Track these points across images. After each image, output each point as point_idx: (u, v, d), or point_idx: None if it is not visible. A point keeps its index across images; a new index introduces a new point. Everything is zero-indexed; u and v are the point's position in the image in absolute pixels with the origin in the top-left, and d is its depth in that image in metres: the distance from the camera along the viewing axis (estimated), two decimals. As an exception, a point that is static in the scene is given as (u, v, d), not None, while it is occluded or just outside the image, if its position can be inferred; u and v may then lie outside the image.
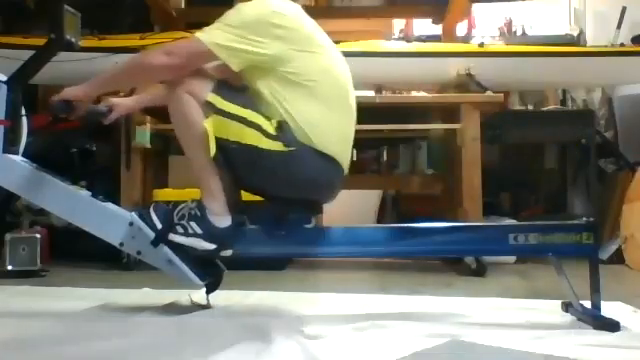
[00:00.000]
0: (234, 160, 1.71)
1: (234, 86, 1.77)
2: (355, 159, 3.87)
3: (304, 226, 1.91)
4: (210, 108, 1.69)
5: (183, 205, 1.79)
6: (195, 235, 1.74)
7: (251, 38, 1.68)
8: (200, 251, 1.75)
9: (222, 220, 1.75)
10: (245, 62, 1.71)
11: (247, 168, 1.73)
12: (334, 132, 1.77)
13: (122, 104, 2.01)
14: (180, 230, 1.75)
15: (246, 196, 1.86)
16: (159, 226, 1.76)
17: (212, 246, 1.75)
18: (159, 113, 3.08)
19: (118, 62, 3.06)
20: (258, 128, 1.69)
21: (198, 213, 1.75)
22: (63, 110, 1.85)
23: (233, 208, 1.77)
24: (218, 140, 1.67)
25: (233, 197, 1.79)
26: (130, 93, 2.97)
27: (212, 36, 1.70)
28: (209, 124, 1.67)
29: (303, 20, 1.79)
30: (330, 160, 1.76)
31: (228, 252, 1.80)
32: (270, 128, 1.69)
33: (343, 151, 1.80)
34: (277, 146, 1.69)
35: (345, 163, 1.81)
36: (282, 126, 1.70)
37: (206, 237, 1.74)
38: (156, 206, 1.81)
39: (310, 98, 1.73)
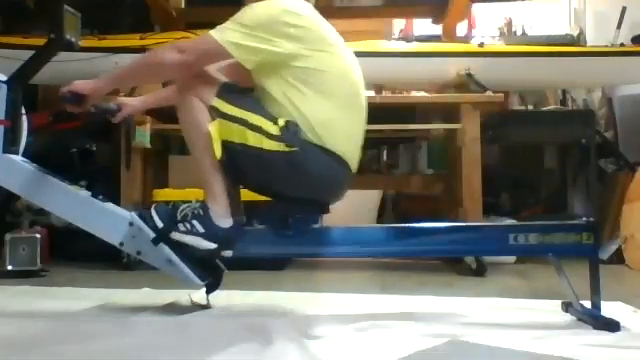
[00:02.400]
0: (239, 162, 1.72)
1: (237, 88, 1.79)
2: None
3: (311, 226, 1.90)
4: (214, 112, 1.72)
5: (186, 205, 1.80)
6: (197, 234, 1.74)
7: (264, 37, 1.70)
8: (201, 250, 1.75)
9: (224, 221, 1.75)
10: (258, 60, 1.72)
11: (251, 169, 1.74)
12: (343, 131, 1.78)
13: (129, 104, 2.04)
14: (182, 228, 1.75)
15: (250, 196, 1.86)
16: (160, 225, 1.76)
17: (213, 245, 1.75)
18: (160, 113, 3.08)
19: (118, 62, 3.11)
20: (259, 130, 1.70)
21: (201, 212, 1.75)
22: (72, 102, 1.84)
23: (234, 209, 1.78)
24: (223, 143, 1.69)
25: (234, 199, 1.80)
26: (130, 93, 2.98)
27: (226, 34, 1.71)
28: (214, 128, 1.70)
29: (316, 19, 1.80)
30: (338, 159, 1.76)
31: (228, 252, 1.80)
32: (272, 129, 1.70)
33: (351, 150, 1.81)
34: (279, 147, 1.69)
35: (353, 162, 1.82)
36: (288, 126, 1.70)
37: (208, 236, 1.74)
38: (157, 206, 1.82)
39: (320, 97, 1.74)
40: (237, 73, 1.81)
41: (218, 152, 1.69)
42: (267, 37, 1.70)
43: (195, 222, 1.75)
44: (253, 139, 1.70)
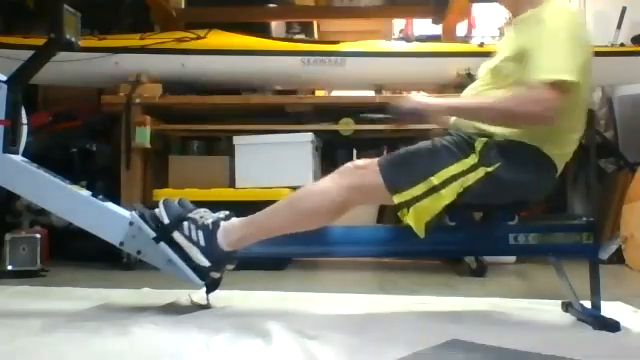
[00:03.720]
0: (446, 214, 1.72)
1: (401, 159, 1.76)
2: (355, 159, 3.88)
3: (507, 223, 1.91)
4: (397, 207, 1.68)
5: (204, 211, 1.79)
6: (196, 244, 1.73)
7: (580, 59, 1.67)
8: (193, 261, 1.73)
9: (227, 246, 1.74)
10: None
11: (470, 207, 1.75)
12: (570, 140, 1.77)
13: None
14: (185, 231, 1.74)
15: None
16: (166, 221, 1.75)
17: (207, 263, 1.73)
18: (159, 113, 3.09)
19: (118, 62, 3.12)
20: (450, 180, 1.66)
21: (210, 227, 1.74)
22: (412, 117, 1.84)
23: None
24: (425, 224, 1.67)
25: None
26: (131, 92, 2.97)
27: (565, 73, 1.61)
28: (408, 219, 1.67)
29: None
30: (546, 160, 1.72)
31: (217, 274, 1.80)
32: (461, 166, 1.67)
33: (567, 154, 1.78)
34: (475, 177, 1.66)
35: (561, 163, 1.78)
36: (483, 148, 1.68)
37: (205, 252, 1.73)
38: (166, 202, 1.80)
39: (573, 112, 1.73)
40: None
41: (422, 234, 1.67)
42: (580, 59, 1.66)
43: (200, 233, 1.73)
44: (449, 192, 1.66)
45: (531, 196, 1.82)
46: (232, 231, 1.74)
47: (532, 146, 1.70)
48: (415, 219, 1.67)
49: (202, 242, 1.73)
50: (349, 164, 1.76)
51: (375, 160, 1.75)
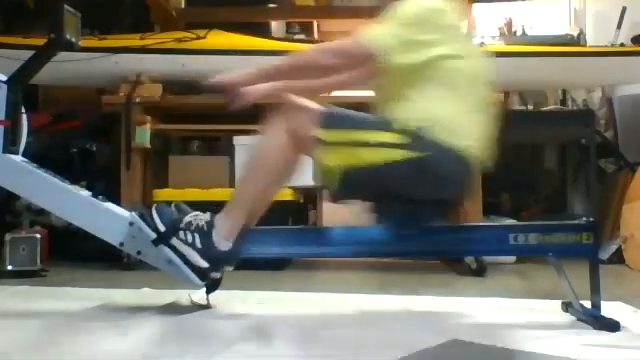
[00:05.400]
0: (365, 183, 1.68)
1: (339, 111, 1.75)
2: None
3: (433, 225, 1.89)
4: (320, 143, 1.68)
5: (197, 213, 1.79)
6: (193, 247, 1.73)
7: (416, 38, 1.68)
8: (192, 264, 1.74)
9: (224, 243, 1.75)
10: (405, 63, 1.68)
11: (378, 183, 1.69)
12: (473, 132, 1.75)
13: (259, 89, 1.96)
14: (182, 236, 1.74)
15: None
16: (162, 228, 1.75)
17: (205, 264, 1.73)
18: (159, 113, 3.09)
19: (118, 62, 3.12)
20: (379, 145, 1.66)
21: (205, 228, 1.74)
22: (219, 91, 1.85)
23: (237, 238, 1.78)
24: (340, 170, 1.66)
25: (244, 231, 1.80)
26: (133, 89, 2.97)
27: (376, 37, 1.69)
28: (325, 159, 1.67)
29: (458, 19, 1.79)
30: (465, 159, 1.72)
31: (217, 275, 1.81)
32: (392, 138, 1.66)
33: (479, 151, 1.77)
34: (403, 154, 1.65)
35: (478, 162, 1.78)
36: (415, 132, 1.66)
37: (203, 254, 1.73)
38: (159, 207, 1.80)
39: (454, 98, 1.71)
40: (365, 79, 1.80)
41: (334, 183, 1.67)
42: (418, 38, 1.67)
43: (196, 235, 1.74)
44: (371, 156, 1.65)
45: (449, 195, 1.80)
46: (221, 224, 1.75)
47: (448, 146, 1.68)
48: (331, 160, 1.66)
49: (199, 244, 1.73)
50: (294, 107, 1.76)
51: (319, 107, 1.76)
